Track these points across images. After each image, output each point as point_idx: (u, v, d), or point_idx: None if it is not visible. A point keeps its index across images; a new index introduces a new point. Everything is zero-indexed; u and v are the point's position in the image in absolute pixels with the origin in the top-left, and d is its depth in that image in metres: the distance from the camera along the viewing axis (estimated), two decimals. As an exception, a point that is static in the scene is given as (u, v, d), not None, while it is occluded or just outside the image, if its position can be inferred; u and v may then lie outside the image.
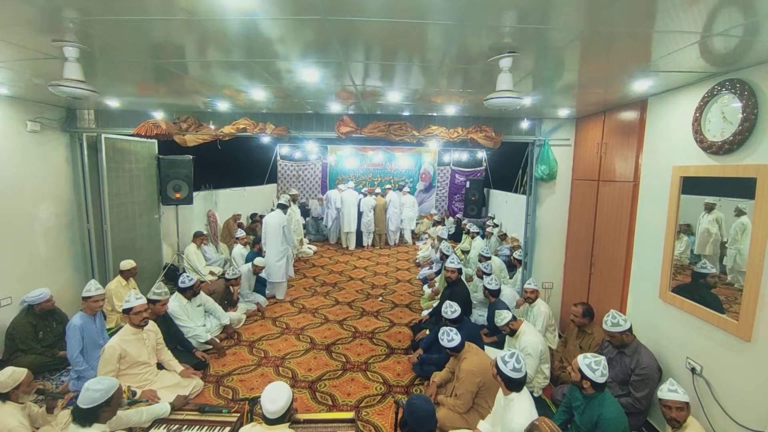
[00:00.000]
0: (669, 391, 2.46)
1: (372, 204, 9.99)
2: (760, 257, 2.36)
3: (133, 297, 3.44)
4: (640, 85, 3.13)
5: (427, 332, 4.64)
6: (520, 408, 2.50)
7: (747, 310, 2.43)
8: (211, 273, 6.93)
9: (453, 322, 3.78)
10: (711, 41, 2.14)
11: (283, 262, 6.20)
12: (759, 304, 2.37)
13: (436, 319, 4.83)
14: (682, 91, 3.10)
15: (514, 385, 2.57)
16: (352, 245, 9.95)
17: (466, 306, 4.77)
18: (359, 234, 10.08)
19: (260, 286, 6.36)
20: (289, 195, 8.91)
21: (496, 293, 4.59)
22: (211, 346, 4.53)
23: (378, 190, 10.60)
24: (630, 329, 3.15)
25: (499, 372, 2.60)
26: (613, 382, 3.11)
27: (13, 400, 2.59)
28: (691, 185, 2.98)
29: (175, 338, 4.11)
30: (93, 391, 2.23)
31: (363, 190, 10.46)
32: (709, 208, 2.82)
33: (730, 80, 2.59)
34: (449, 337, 3.33)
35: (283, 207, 6.34)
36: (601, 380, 2.56)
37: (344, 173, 12.18)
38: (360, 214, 9.92)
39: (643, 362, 3.02)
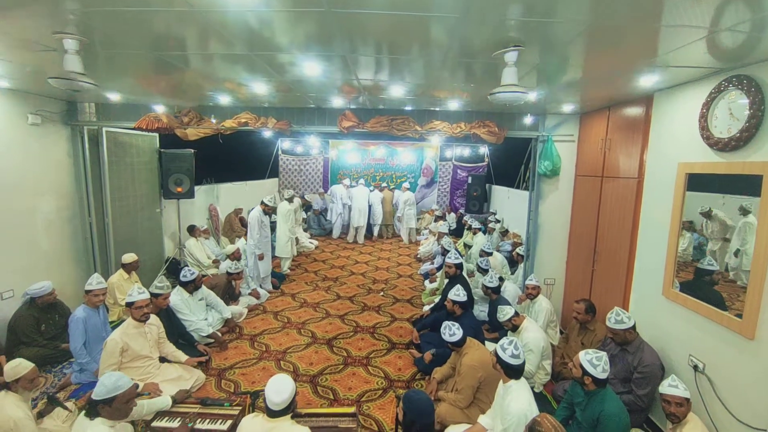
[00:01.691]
0: (669, 386, 2.48)
1: (381, 197, 10.34)
2: (764, 255, 2.34)
3: (135, 291, 3.45)
4: (646, 81, 3.10)
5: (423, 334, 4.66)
6: (518, 395, 2.53)
7: (751, 308, 2.42)
8: (214, 262, 6.96)
9: (462, 307, 3.95)
10: (718, 36, 2.11)
11: (252, 259, 6.19)
12: (763, 302, 2.35)
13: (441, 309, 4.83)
14: (689, 87, 3.07)
15: (512, 371, 2.60)
16: (361, 239, 10.15)
17: (468, 301, 4.76)
18: (368, 227, 10.42)
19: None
20: (292, 194, 8.86)
21: (497, 290, 4.60)
22: (212, 340, 4.55)
23: (384, 185, 10.79)
24: (633, 327, 3.14)
25: (499, 359, 2.64)
26: (615, 379, 3.11)
27: (14, 392, 2.60)
28: (697, 182, 2.96)
29: (177, 332, 4.12)
30: (100, 384, 2.23)
31: (370, 187, 10.61)
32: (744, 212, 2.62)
33: (737, 76, 2.56)
34: (451, 331, 3.34)
35: (263, 204, 6.27)
36: (602, 376, 2.56)
37: (346, 168, 12.15)
38: (369, 208, 10.19)
39: (646, 360, 3.02)
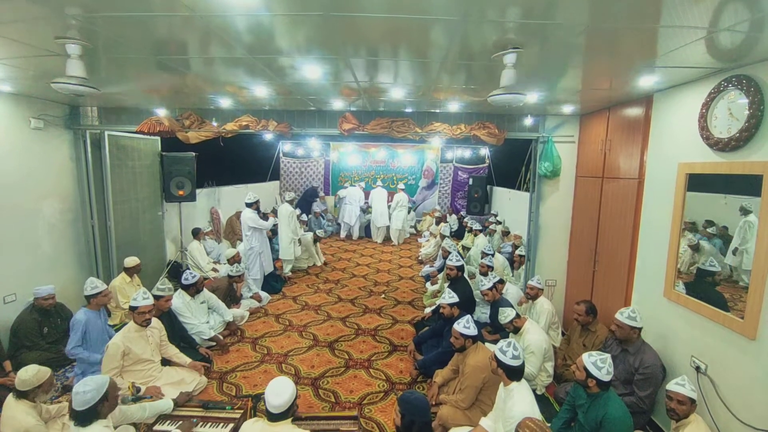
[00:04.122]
0: (676, 384, 2.50)
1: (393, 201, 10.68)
2: (766, 255, 2.33)
3: (140, 296, 3.45)
4: (646, 81, 3.10)
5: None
6: (520, 397, 2.53)
7: (752, 309, 2.41)
8: (214, 270, 6.96)
9: (459, 307, 3.94)
10: (717, 37, 2.12)
11: (251, 259, 6.21)
12: (764, 302, 2.35)
13: (439, 316, 4.83)
14: (689, 87, 3.07)
15: (514, 373, 2.60)
16: (380, 239, 10.48)
17: (469, 303, 4.76)
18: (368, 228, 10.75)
19: (265, 284, 6.43)
20: (293, 196, 8.86)
21: (491, 287, 4.55)
22: (214, 343, 4.56)
23: (401, 185, 10.84)
24: (640, 329, 3.15)
25: (500, 363, 2.63)
26: (617, 380, 3.10)
27: (30, 399, 2.60)
28: (697, 182, 2.96)
29: (178, 335, 4.12)
30: (84, 393, 2.19)
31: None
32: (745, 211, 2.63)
33: (737, 76, 2.56)
34: (466, 324, 3.30)
35: (249, 205, 6.26)
36: (607, 378, 2.56)
37: (347, 170, 12.18)
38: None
39: (647, 361, 3.02)
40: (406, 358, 4.43)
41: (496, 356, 2.65)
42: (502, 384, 2.71)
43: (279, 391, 2.22)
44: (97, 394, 2.23)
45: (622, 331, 3.15)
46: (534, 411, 2.46)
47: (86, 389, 2.21)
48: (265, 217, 6.54)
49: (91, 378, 2.34)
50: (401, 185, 10.76)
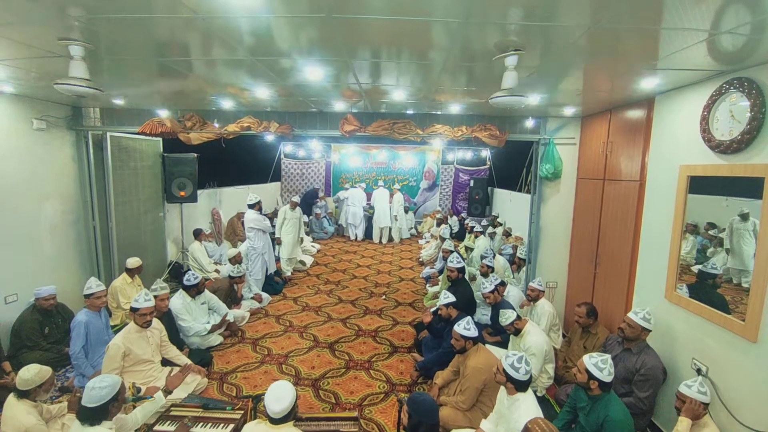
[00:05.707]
0: (685, 386, 2.52)
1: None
2: (767, 257, 2.33)
3: (142, 298, 3.46)
4: (647, 83, 3.10)
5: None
6: (526, 408, 2.50)
7: (753, 311, 2.41)
8: (216, 270, 6.96)
9: (455, 307, 3.95)
10: (719, 39, 2.12)
11: (252, 259, 6.21)
12: (765, 305, 2.34)
13: (439, 318, 4.82)
14: (690, 89, 3.07)
15: (522, 385, 2.58)
16: (385, 239, 10.61)
17: (470, 305, 4.75)
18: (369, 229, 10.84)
19: (266, 284, 6.43)
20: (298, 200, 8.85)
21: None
22: (218, 342, 4.59)
23: (396, 186, 11.13)
24: (648, 332, 3.14)
25: (510, 378, 2.58)
26: (616, 378, 3.09)
27: (31, 399, 2.60)
28: (699, 184, 2.95)
29: (175, 337, 4.12)
30: (100, 389, 2.21)
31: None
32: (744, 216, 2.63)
33: (738, 78, 2.56)
34: (467, 326, 3.30)
35: (251, 206, 6.27)
36: (608, 379, 2.56)
37: (348, 172, 12.19)
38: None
39: (649, 362, 3.01)
40: (407, 360, 4.43)
41: (505, 371, 2.59)
42: (504, 389, 2.69)
43: (279, 397, 2.20)
44: (112, 391, 2.25)
45: (633, 331, 3.14)
46: None
47: (102, 385, 2.23)
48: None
49: (107, 375, 2.36)
50: (397, 186, 11.04)
